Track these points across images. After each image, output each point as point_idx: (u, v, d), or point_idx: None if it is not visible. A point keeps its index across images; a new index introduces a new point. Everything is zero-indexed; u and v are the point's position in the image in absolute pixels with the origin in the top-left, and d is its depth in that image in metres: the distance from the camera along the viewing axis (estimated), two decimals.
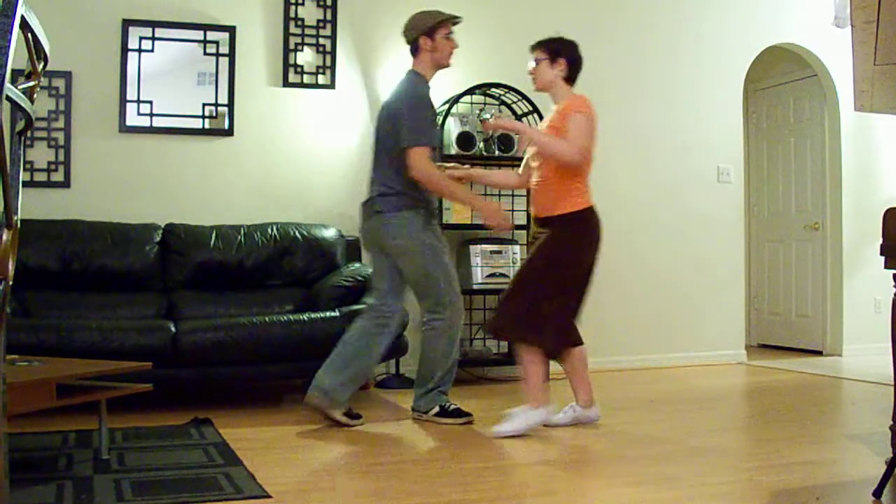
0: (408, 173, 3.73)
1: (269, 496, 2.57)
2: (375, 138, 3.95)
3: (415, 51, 3.89)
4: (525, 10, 5.61)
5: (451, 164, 4.12)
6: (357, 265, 4.77)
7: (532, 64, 3.82)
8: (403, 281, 3.90)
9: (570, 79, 3.81)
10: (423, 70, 3.88)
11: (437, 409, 3.85)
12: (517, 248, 5.19)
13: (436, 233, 3.88)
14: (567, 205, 3.68)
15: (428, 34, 3.83)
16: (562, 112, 3.72)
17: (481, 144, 5.16)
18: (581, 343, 3.82)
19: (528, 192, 5.53)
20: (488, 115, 4.01)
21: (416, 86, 3.85)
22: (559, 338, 3.72)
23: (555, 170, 3.69)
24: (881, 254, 2.57)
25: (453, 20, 3.90)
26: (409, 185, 3.76)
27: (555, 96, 3.81)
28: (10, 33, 1.37)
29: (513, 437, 3.49)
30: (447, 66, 3.94)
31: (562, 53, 3.77)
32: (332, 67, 5.18)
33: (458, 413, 3.84)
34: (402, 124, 3.73)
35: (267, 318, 4.15)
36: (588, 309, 5.70)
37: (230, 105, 4.98)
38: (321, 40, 5.16)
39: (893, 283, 2.53)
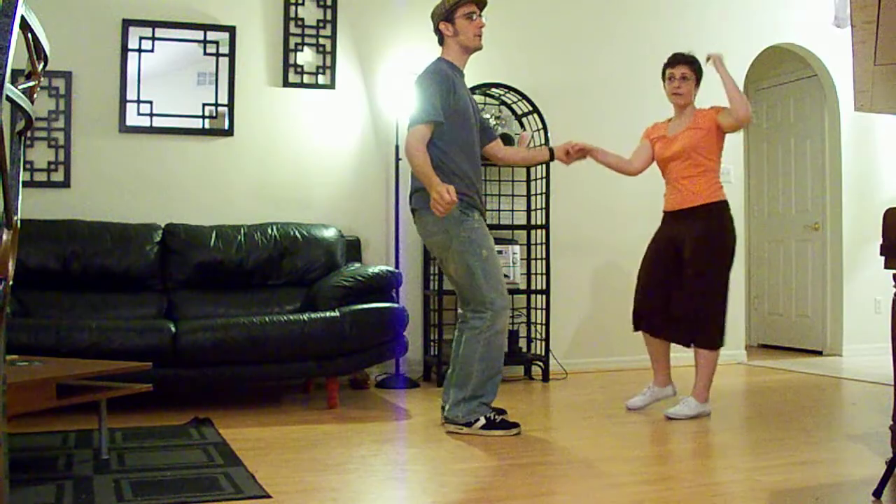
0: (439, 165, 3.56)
1: (268, 496, 2.57)
2: None
3: (441, 40, 3.73)
4: (525, 11, 5.62)
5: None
6: (357, 265, 4.77)
7: (678, 78, 4.10)
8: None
9: None
10: (452, 57, 3.70)
11: (482, 421, 3.56)
12: (517, 248, 5.19)
13: (474, 226, 3.59)
14: (720, 193, 4.05)
15: (446, 19, 3.65)
16: (705, 118, 4.06)
17: None
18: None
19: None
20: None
21: (431, 66, 3.66)
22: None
23: (705, 165, 4.03)
24: (881, 254, 2.57)
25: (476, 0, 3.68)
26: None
27: (685, 109, 4.14)
28: (10, 33, 1.37)
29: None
30: (477, 47, 3.71)
31: (701, 76, 4.14)
32: (332, 67, 5.18)
33: (506, 424, 3.58)
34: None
35: (267, 318, 4.14)
36: (588, 309, 5.76)
37: (230, 105, 4.98)
38: (321, 40, 5.16)
39: (893, 283, 2.53)
